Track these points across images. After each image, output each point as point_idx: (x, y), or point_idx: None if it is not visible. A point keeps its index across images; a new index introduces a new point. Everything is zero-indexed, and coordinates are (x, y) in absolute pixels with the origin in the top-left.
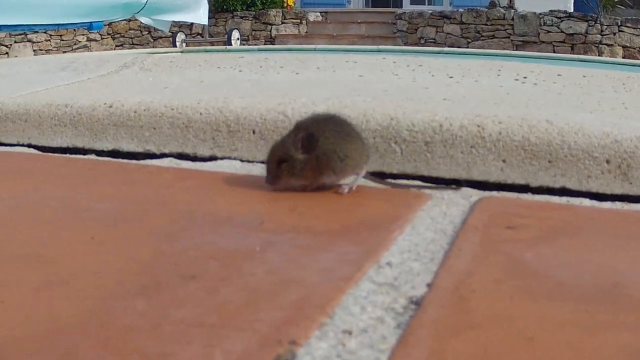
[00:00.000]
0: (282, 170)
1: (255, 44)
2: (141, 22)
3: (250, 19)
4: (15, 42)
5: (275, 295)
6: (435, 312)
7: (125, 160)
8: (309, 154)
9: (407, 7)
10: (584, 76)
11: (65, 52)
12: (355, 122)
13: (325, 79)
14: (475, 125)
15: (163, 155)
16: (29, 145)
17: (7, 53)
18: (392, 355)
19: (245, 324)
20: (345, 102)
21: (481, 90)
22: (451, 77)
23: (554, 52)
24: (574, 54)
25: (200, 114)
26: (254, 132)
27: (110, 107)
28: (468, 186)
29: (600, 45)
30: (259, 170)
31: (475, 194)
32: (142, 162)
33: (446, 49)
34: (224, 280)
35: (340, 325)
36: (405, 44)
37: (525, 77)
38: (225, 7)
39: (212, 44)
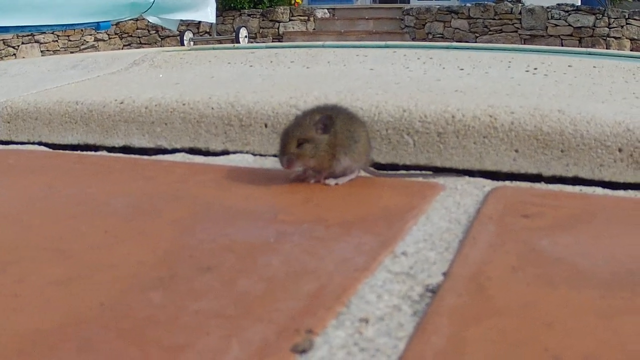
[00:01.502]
0: (303, 150)
1: (263, 42)
2: (149, 22)
3: (258, 16)
4: (22, 43)
5: (291, 285)
6: (453, 299)
7: (137, 156)
8: (327, 134)
9: (414, 2)
10: (594, 67)
11: (72, 52)
12: (367, 114)
13: (336, 72)
14: (488, 116)
15: (175, 151)
16: (40, 143)
17: (14, 54)
18: (410, 342)
19: (262, 314)
20: (357, 95)
21: (492, 82)
22: (462, 69)
23: (562, 45)
24: (581, 47)
25: (212, 108)
26: (266, 125)
27: (121, 103)
28: (480, 176)
29: (607, 38)
30: (272, 163)
31: (488, 184)
32: (154, 157)
33: (455, 43)
34: (240, 272)
35: (357, 313)
36: (413, 40)
37: (535, 69)
38: (232, 5)
39: (220, 42)
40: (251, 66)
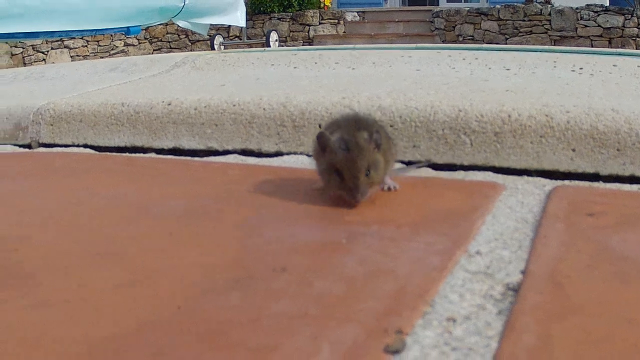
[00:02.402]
0: (372, 178)
1: (294, 45)
2: (179, 26)
3: (288, 20)
4: (52, 48)
5: (370, 285)
6: (535, 297)
7: (188, 158)
8: (380, 152)
9: (443, 4)
10: (638, 66)
11: (102, 57)
12: (423, 114)
13: (382, 73)
14: (544, 115)
15: (226, 152)
16: (85, 146)
17: (44, 59)
18: (502, 340)
19: (346, 314)
20: (409, 95)
21: (540, 82)
22: (508, 70)
23: (592, 46)
24: (611, 47)
25: (264, 109)
26: (320, 126)
27: (169, 104)
28: (537, 176)
29: (637, 39)
30: None
31: (547, 184)
32: (205, 159)
33: (486, 45)
34: (317, 272)
35: (443, 313)
36: (443, 42)
37: (581, 69)
38: (262, 9)
39: (250, 46)
40: (295, 68)
